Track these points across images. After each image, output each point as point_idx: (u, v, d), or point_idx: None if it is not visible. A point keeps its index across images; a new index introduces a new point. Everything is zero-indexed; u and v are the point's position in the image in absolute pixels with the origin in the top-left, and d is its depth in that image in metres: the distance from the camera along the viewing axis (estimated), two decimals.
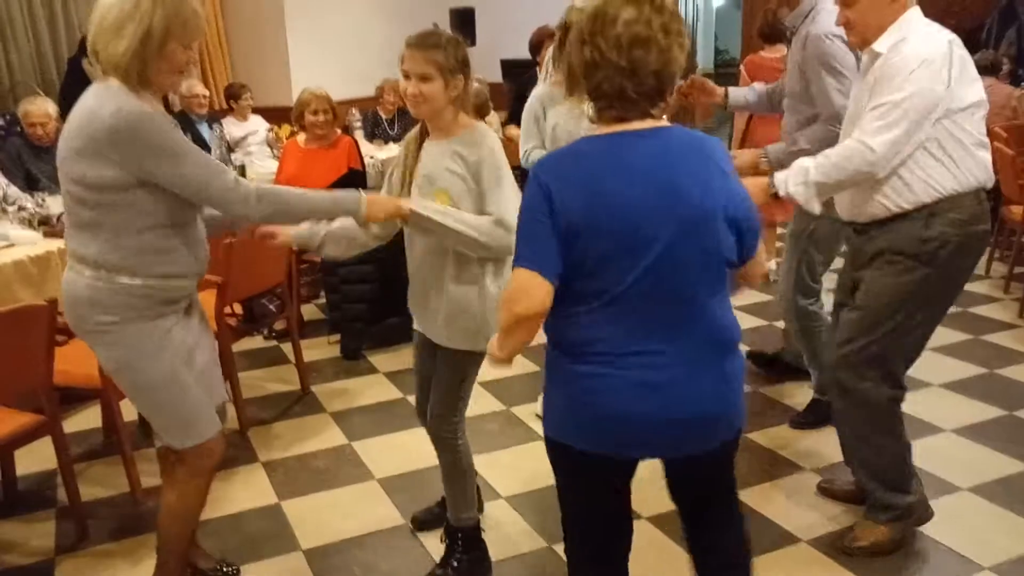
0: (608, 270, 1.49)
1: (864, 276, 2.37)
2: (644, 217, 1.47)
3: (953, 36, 2.19)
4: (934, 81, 2.11)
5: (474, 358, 2.25)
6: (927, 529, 2.51)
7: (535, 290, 1.49)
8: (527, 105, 3.21)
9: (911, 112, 2.12)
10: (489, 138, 2.16)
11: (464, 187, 2.13)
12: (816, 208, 2.26)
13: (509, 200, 2.10)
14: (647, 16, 1.46)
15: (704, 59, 10.53)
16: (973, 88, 2.20)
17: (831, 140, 2.50)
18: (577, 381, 1.55)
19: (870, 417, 2.38)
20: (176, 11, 1.83)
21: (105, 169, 1.81)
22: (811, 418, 3.21)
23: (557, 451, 1.66)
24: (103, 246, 1.89)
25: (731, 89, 3.18)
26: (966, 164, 2.21)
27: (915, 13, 2.22)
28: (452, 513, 2.40)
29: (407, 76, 2.11)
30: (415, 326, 2.37)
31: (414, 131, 2.27)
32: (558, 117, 3.04)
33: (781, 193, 2.25)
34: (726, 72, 7.67)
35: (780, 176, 2.27)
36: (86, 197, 1.86)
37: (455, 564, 2.39)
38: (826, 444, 3.04)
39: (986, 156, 2.25)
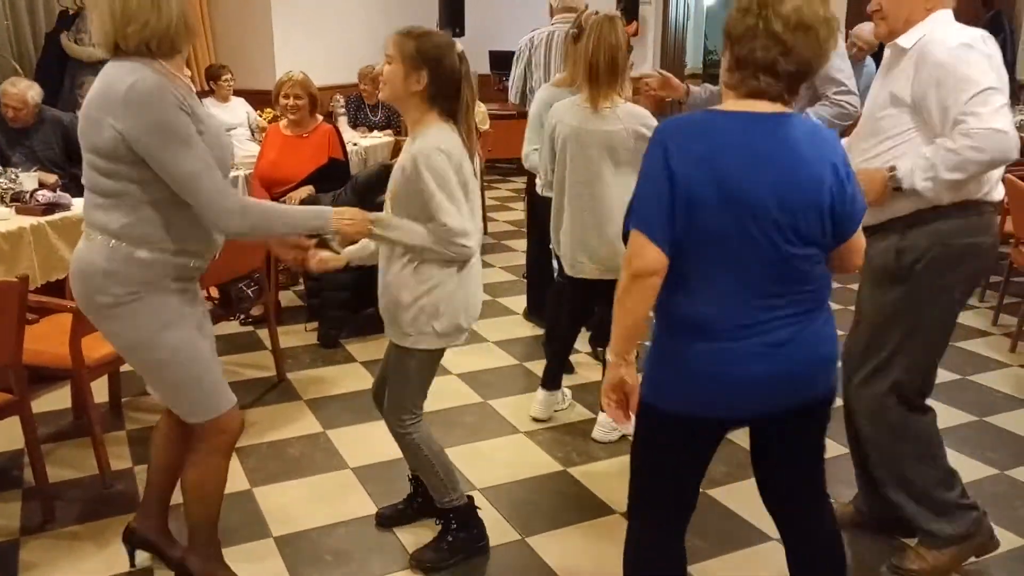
0: (724, 248, 1.58)
1: (860, 291, 2.34)
2: (762, 201, 1.55)
3: (984, 32, 2.12)
4: (987, 63, 2.03)
5: (413, 357, 2.27)
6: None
7: (645, 250, 1.58)
8: (531, 108, 3.26)
9: (1002, 91, 2.01)
10: (434, 139, 2.13)
11: (407, 187, 2.16)
12: (945, 201, 2.13)
13: (444, 208, 2.12)
14: (815, 6, 1.55)
15: (693, 59, 10.58)
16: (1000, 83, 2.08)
17: (844, 114, 2.92)
18: (699, 354, 1.63)
19: (892, 438, 2.29)
20: None
21: (113, 137, 1.81)
22: None
23: (661, 419, 1.71)
24: (125, 218, 1.89)
25: (692, 87, 3.17)
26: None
27: (946, 15, 2.14)
28: (436, 499, 2.42)
29: None
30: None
31: None
32: (559, 115, 3.00)
33: (906, 187, 2.10)
34: (715, 72, 7.71)
35: (905, 169, 2.09)
36: (101, 166, 1.86)
37: (449, 539, 2.42)
38: None
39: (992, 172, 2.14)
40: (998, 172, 2.18)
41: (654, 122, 2.82)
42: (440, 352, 2.31)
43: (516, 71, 4.17)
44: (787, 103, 1.62)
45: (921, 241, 2.13)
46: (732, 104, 1.62)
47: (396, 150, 5.96)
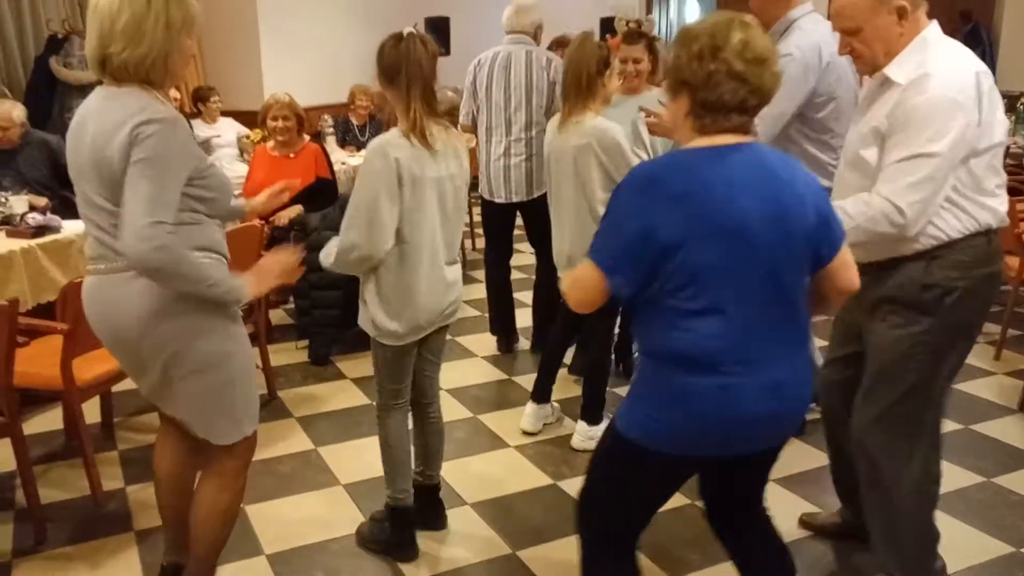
0: (720, 280, 1.56)
1: (867, 327, 2.16)
2: (752, 227, 1.55)
3: (981, 66, 1.96)
4: (966, 127, 1.90)
5: (375, 343, 2.42)
6: None
7: (588, 283, 1.61)
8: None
9: (944, 166, 1.90)
10: (371, 151, 2.22)
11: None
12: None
13: (348, 221, 2.24)
14: (758, 38, 1.58)
15: None
16: (998, 124, 1.99)
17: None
18: (701, 391, 1.59)
19: (900, 494, 2.14)
20: (183, 0, 1.87)
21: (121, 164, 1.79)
22: None
23: (645, 457, 1.67)
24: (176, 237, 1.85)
25: None
26: (976, 209, 2.00)
27: (932, 32, 1.98)
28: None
29: None
30: None
31: None
32: (547, 129, 3.16)
33: None
34: None
35: None
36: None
37: (384, 525, 2.55)
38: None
39: (999, 198, 2.03)
40: (1001, 194, 2.05)
41: (614, 136, 2.88)
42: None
43: (465, 94, 4.14)
44: (749, 132, 1.64)
45: (951, 273, 2.00)
46: (701, 141, 1.62)
47: None
